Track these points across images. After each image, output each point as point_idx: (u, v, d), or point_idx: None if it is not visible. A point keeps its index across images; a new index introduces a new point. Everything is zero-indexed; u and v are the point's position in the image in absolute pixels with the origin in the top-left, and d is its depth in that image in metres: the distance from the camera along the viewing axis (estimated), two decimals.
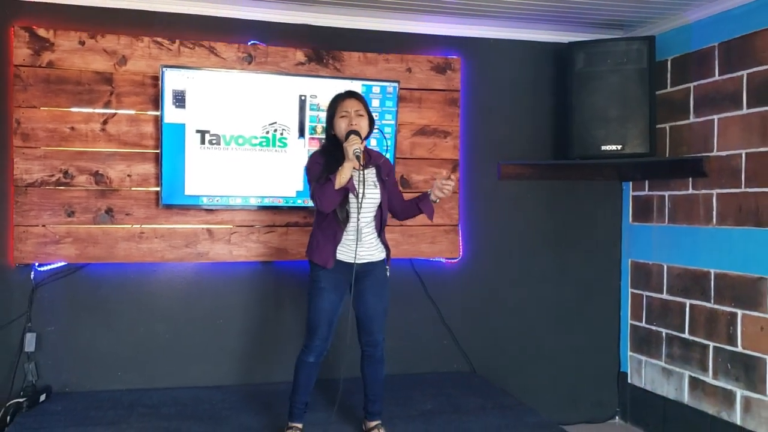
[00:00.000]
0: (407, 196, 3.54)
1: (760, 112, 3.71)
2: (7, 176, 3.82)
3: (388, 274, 3.30)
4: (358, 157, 2.94)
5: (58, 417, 3.54)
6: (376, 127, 3.26)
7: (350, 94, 3.20)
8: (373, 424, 3.32)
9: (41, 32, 3.81)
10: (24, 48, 3.79)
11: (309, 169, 3.16)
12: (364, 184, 3.06)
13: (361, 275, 3.16)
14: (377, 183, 3.19)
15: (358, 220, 3.09)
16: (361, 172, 3.05)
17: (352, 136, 2.99)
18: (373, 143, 4.05)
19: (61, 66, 3.84)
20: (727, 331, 3.91)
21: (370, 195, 3.12)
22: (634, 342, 4.70)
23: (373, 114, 3.28)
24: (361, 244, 3.13)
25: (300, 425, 3.25)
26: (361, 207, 3.07)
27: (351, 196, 3.06)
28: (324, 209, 3.04)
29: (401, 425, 3.49)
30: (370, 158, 3.18)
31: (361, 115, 3.13)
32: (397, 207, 3.35)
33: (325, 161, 3.10)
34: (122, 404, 3.75)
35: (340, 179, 2.95)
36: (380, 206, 3.20)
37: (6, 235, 3.83)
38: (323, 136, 3.75)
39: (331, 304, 3.15)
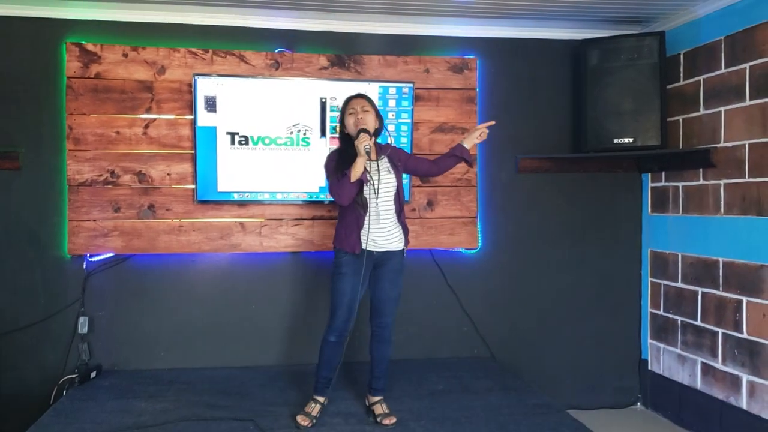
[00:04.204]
0: (425, 190, 3.76)
1: (761, 104, 3.78)
2: (62, 177, 4.26)
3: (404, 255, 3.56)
4: (368, 152, 3.24)
5: (104, 391, 3.96)
6: (385, 122, 3.56)
7: (357, 95, 3.52)
8: (376, 399, 3.58)
9: (89, 47, 4.23)
10: (75, 61, 4.22)
11: (327, 166, 3.49)
12: (378, 173, 3.36)
13: (379, 262, 3.46)
14: (391, 169, 3.49)
15: (377, 205, 3.39)
16: (376, 162, 3.36)
17: (362, 134, 3.29)
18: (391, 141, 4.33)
19: (107, 76, 4.26)
20: (734, 318, 3.99)
21: (386, 181, 3.42)
22: (654, 330, 4.78)
23: (391, 113, 3.76)
24: (380, 228, 3.41)
25: (322, 399, 3.54)
26: (377, 193, 3.36)
27: (366, 185, 3.36)
28: (342, 202, 3.34)
29: (408, 401, 3.75)
30: (380, 150, 3.47)
31: (367, 111, 3.43)
32: (429, 169, 3.66)
33: (339, 157, 3.42)
34: (162, 381, 4.15)
35: (355, 172, 3.25)
36: (397, 191, 3.49)
37: (61, 229, 4.28)
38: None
39: (352, 287, 3.42)
